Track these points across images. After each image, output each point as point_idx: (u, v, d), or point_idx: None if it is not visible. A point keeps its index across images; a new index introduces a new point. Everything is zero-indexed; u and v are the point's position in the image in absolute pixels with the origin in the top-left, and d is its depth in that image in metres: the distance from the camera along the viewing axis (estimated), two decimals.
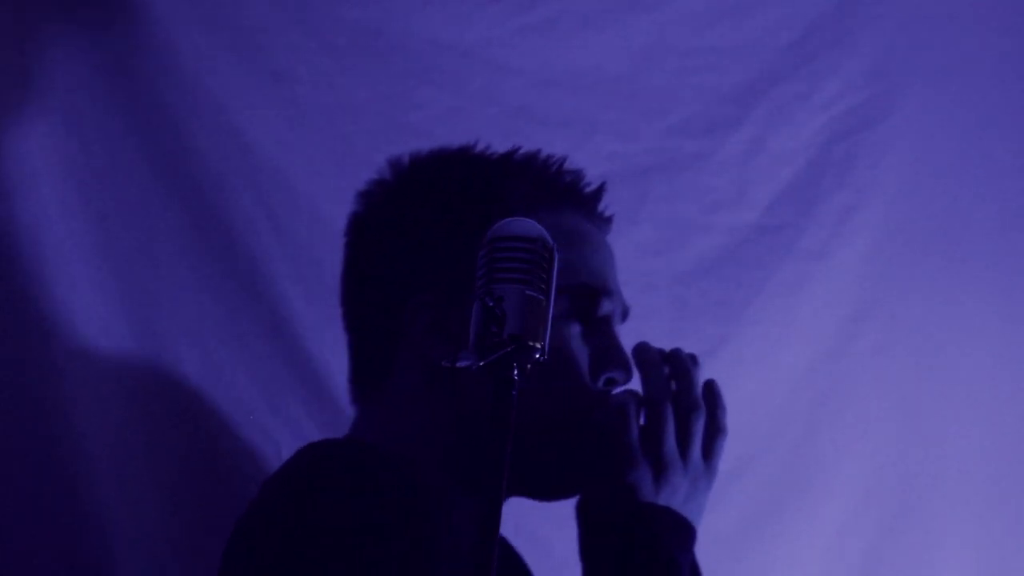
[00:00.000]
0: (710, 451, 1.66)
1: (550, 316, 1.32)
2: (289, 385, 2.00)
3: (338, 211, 2.05)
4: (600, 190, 1.76)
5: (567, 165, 1.75)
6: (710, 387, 1.69)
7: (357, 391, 1.75)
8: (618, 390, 1.69)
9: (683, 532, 1.61)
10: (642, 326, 2.22)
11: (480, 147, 1.75)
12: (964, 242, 2.55)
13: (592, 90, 2.29)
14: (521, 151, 1.75)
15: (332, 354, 2.02)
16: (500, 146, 1.77)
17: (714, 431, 1.67)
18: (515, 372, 1.29)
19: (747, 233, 2.40)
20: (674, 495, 1.62)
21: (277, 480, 1.58)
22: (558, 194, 1.72)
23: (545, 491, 1.68)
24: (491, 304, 1.29)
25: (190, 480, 1.92)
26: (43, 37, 1.89)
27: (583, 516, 1.64)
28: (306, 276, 2.03)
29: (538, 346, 1.30)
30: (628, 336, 1.77)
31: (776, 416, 2.40)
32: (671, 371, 1.67)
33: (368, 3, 2.12)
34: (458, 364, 1.30)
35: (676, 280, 2.33)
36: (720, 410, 1.68)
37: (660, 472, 1.62)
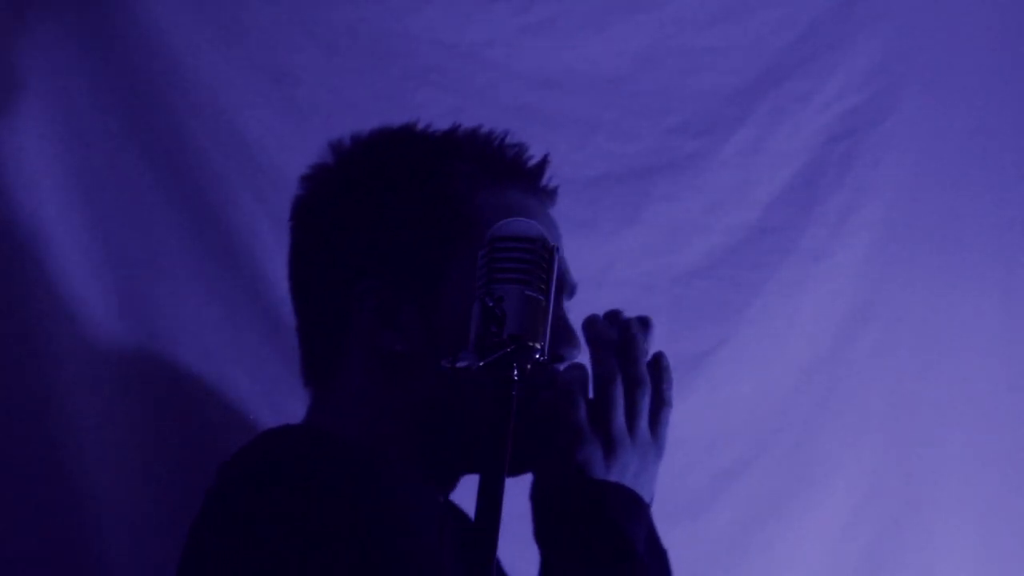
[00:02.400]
0: (656, 424, 1.64)
1: (550, 316, 1.32)
2: (288, 385, 2.00)
3: None
4: (543, 163, 1.74)
5: (509, 139, 1.73)
6: (657, 360, 1.67)
7: (308, 375, 1.74)
8: (567, 365, 1.67)
9: (634, 506, 1.60)
10: None
11: (422, 125, 1.74)
12: (964, 242, 2.55)
13: (592, 90, 2.30)
14: (463, 128, 1.73)
15: None
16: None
17: (659, 404, 1.65)
18: (515, 372, 1.29)
19: (747, 233, 2.40)
20: (624, 471, 1.61)
21: (236, 468, 1.58)
22: (501, 170, 1.71)
23: None
24: (491, 304, 1.29)
25: (189, 478, 1.92)
26: (43, 37, 1.89)
27: (536, 497, 1.63)
28: None
29: (538, 346, 1.30)
30: None
31: (776, 416, 2.40)
32: (619, 344, 1.65)
33: (369, 3, 2.13)
34: (458, 364, 1.30)
35: (676, 280, 2.33)
36: (666, 384, 1.66)
37: (610, 449, 1.60)
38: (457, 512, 1.75)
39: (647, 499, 1.63)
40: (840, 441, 2.44)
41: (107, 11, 1.93)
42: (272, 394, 1.98)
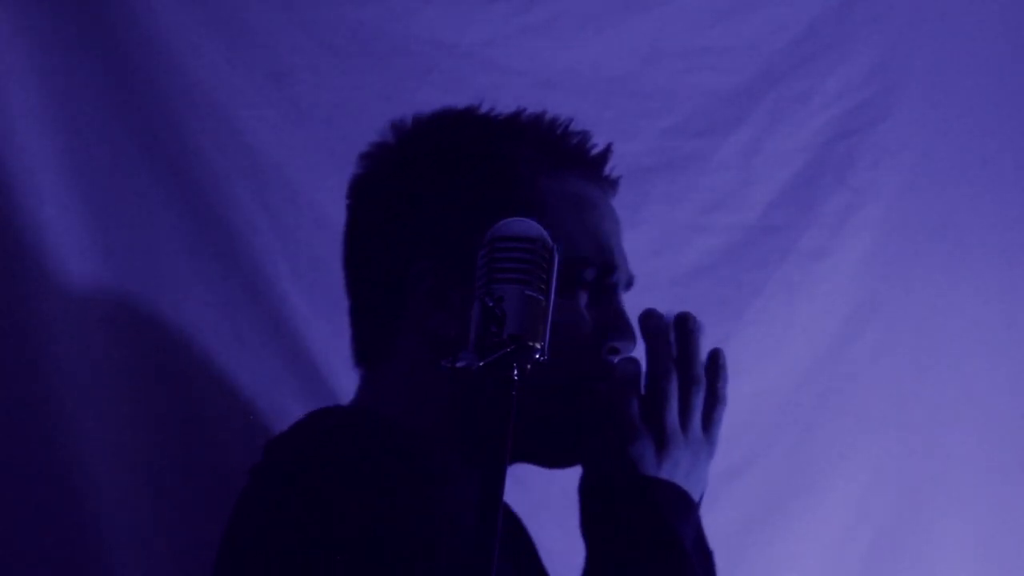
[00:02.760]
0: (709, 422, 1.65)
1: (550, 316, 1.32)
2: (289, 385, 2.00)
3: (338, 210, 2.06)
4: (606, 152, 1.74)
5: (573, 127, 1.73)
6: (714, 357, 1.67)
7: (360, 355, 1.73)
8: (621, 358, 1.68)
9: (683, 504, 1.60)
10: None
11: (485, 108, 1.73)
12: (964, 242, 2.55)
13: (592, 90, 2.29)
14: (527, 112, 1.72)
15: (333, 353, 2.02)
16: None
17: (713, 401, 1.66)
18: (515, 372, 1.29)
19: (747, 233, 2.40)
20: (676, 468, 1.61)
21: (284, 447, 1.59)
22: (563, 157, 1.71)
23: (546, 458, 1.68)
24: (491, 304, 1.29)
25: (189, 478, 1.92)
26: (43, 37, 1.89)
27: (585, 491, 1.63)
28: (306, 276, 2.03)
29: (538, 346, 1.30)
30: None
31: (776, 416, 2.40)
32: (676, 340, 1.66)
33: (368, 3, 2.13)
34: (458, 364, 1.30)
35: (676, 280, 2.33)
36: (721, 381, 1.67)
37: (662, 445, 1.61)
38: None
39: (696, 497, 1.63)
40: (841, 441, 2.44)
41: (107, 11, 1.93)
42: (272, 393, 1.99)
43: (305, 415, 1.64)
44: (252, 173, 2.00)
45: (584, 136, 1.73)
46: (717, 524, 2.30)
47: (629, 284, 1.74)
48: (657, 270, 2.32)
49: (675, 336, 1.66)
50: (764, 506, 2.37)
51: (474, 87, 2.17)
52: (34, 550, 1.83)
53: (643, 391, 1.64)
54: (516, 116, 1.72)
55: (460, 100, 2.14)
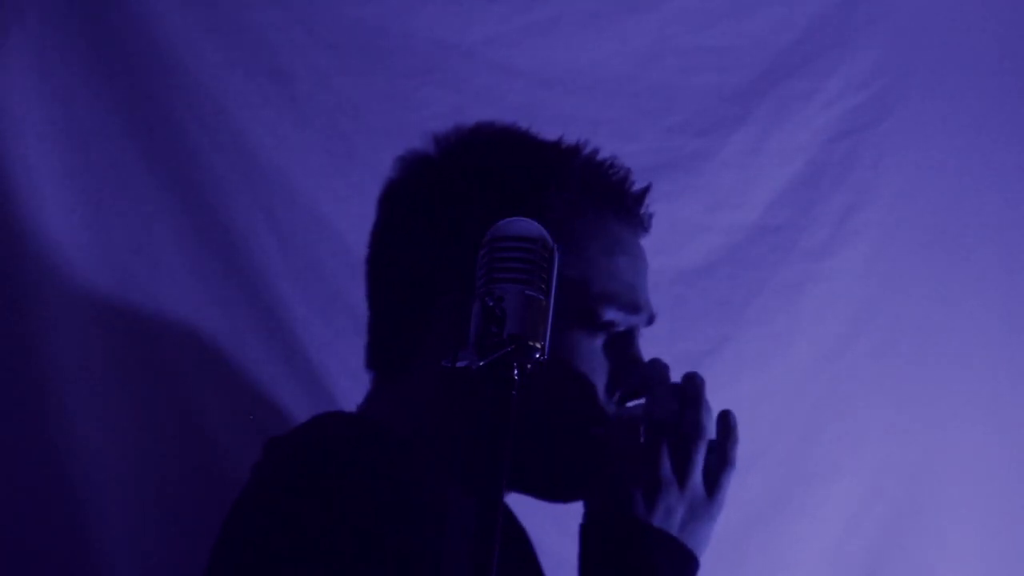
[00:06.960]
0: (715, 483, 1.64)
1: (550, 316, 1.32)
2: (287, 385, 2.00)
3: (338, 211, 2.06)
4: (645, 191, 1.75)
5: (616, 164, 1.73)
6: (725, 418, 1.67)
7: (375, 362, 1.73)
8: (633, 404, 1.68)
9: (679, 559, 1.59)
10: None
11: (525, 125, 1.73)
12: (965, 241, 2.55)
13: (592, 90, 2.29)
14: (570, 143, 1.72)
15: (331, 354, 2.03)
16: None
17: (721, 463, 1.65)
18: (515, 372, 1.29)
19: (747, 233, 2.40)
20: (669, 518, 1.60)
21: (285, 448, 1.59)
22: (603, 198, 1.70)
23: (544, 492, 1.69)
24: (491, 304, 1.29)
25: (188, 479, 1.92)
26: (43, 37, 1.89)
27: (583, 531, 1.63)
28: (305, 276, 2.03)
29: (538, 346, 1.30)
30: None
31: (777, 416, 2.40)
32: (682, 393, 1.65)
33: (369, 2, 2.12)
34: (458, 364, 1.30)
35: (676, 280, 2.33)
36: (730, 442, 1.66)
37: (654, 492, 1.60)
38: None
39: (696, 552, 1.61)
40: (841, 441, 2.44)
41: (107, 11, 1.93)
42: (272, 393, 1.99)
43: (309, 418, 1.64)
44: (251, 173, 2.00)
45: (626, 175, 1.73)
46: (717, 524, 2.31)
47: (650, 321, 1.74)
48: (658, 269, 2.31)
49: (682, 388, 1.65)
50: (765, 506, 2.37)
51: (475, 86, 2.18)
52: (33, 549, 1.83)
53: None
54: (558, 145, 1.72)
55: (461, 99, 2.15)
